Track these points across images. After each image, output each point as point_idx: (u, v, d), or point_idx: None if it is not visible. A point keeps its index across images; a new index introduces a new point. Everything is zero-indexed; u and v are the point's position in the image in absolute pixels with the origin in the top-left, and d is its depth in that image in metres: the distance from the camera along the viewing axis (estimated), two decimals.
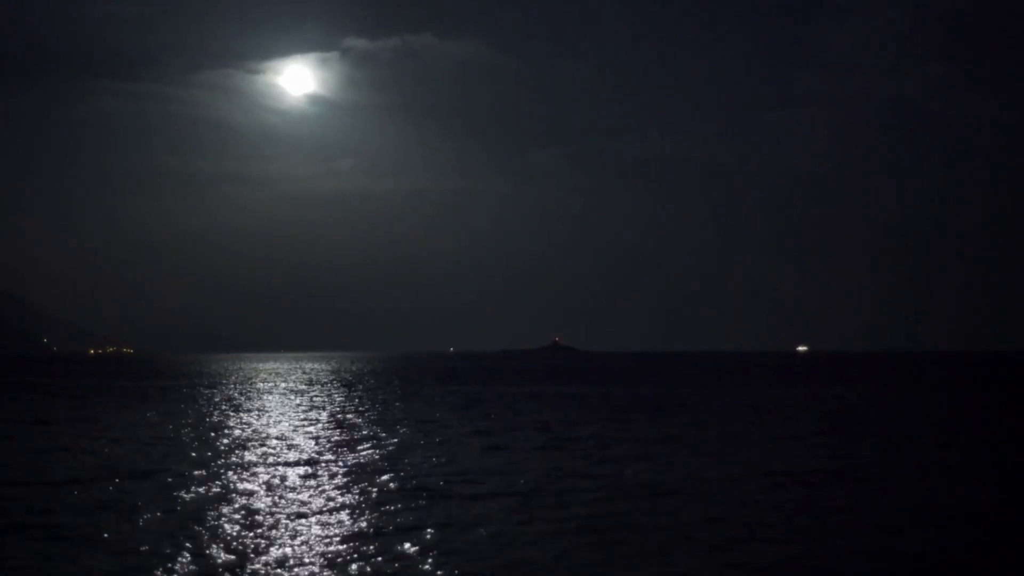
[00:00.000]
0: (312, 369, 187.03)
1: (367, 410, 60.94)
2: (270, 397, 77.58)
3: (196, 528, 21.49)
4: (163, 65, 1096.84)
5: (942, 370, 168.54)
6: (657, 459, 34.09)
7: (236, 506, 24.18)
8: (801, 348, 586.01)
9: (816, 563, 18.84)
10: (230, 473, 30.10)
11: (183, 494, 26.04)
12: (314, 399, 74.35)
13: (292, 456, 34.64)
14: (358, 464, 32.49)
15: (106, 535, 20.76)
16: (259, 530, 21.25)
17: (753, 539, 20.77)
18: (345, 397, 77.81)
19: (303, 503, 24.65)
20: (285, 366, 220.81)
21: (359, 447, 37.81)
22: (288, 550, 19.40)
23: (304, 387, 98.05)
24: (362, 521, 22.33)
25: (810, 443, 39.80)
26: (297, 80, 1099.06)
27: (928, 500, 25.75)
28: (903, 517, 23.29)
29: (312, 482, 28.32)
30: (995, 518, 23.26)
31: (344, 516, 22.93)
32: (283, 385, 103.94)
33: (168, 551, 19.27)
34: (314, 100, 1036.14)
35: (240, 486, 27.38)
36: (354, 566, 18.22)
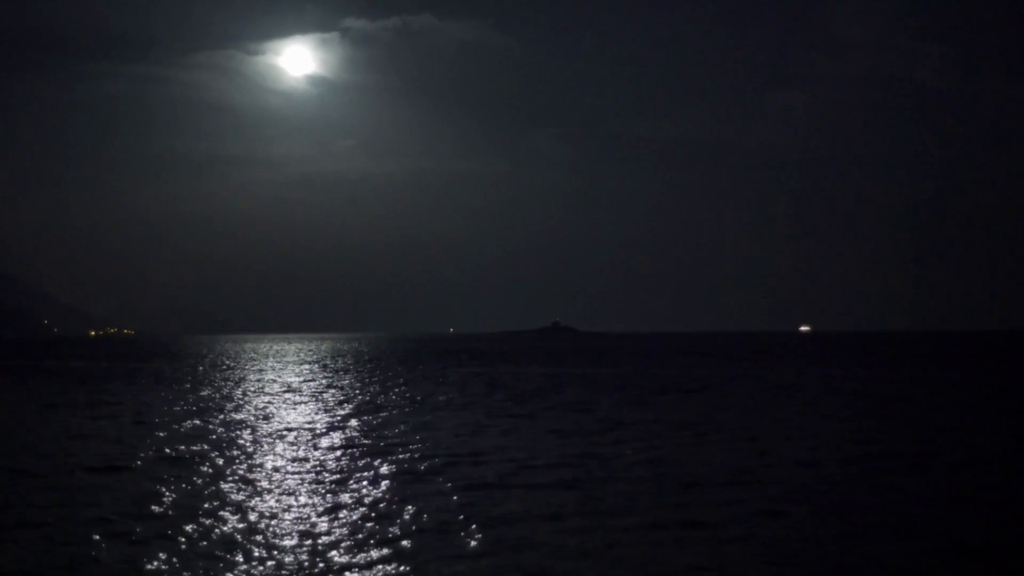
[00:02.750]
0: (316, 350, 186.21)
1: (387, 393, 59.85)
2: (282, 379, 76.52)
3: (219, 518, 20.40)
4: (163, 47, 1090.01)
5: (948, 349, 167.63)
6: (703, 445, 32.99)
7: (261, 493, 23.09)
8: (804, 328, 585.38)
9: (886, 559, 17.77)
10: (256, 458, 28.99)
11: (206, 481, 24.93)
12: (327, 381, 73.31)
13: (313, 440, 33.54)
14: (391, 451, 31.36)
15: (131, 524, 19.69)
16: (283, 520, 20.17)
17: (816, 532, 19.68)
18: (358, 379, 76.76)
19: (332, 489, 23.54)
20: (289, 347, 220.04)
21: (388, 432, 36.69)
22: (319, 539, 18.31)
23: (313, 368, 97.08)
24: (406, 513, 21.23)
25: (850, 426, 38.72)
26: (297, 61, 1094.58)
27: (974, 486, 24.67)
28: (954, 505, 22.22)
29: (339, 468, 27.21)
30: None
31: (384, 506, 21.82)
32: (292, 367, 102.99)
33: (191, 541, 18.28)
34: (314, 81, 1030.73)
35: (265, 472, 26.30)
36: (405, 560, 17.19)
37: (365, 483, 24.85)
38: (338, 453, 30.46)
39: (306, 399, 53.93)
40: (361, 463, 28.31)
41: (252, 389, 63.59)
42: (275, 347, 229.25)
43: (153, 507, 21.78)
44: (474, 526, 19.71)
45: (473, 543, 18.39)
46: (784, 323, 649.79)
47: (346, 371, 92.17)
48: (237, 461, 28.66)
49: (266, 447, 31.94)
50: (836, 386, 65.09)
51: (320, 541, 18.52)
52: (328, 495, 23.12)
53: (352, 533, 19.18)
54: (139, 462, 28.61)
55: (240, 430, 37.26)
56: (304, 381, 73.36)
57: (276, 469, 27.15)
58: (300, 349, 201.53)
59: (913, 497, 23.01)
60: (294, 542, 18.43)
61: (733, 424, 39.33)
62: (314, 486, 24.37)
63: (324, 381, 73.46)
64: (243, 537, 18.80)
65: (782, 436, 35.16)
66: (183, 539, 18.68)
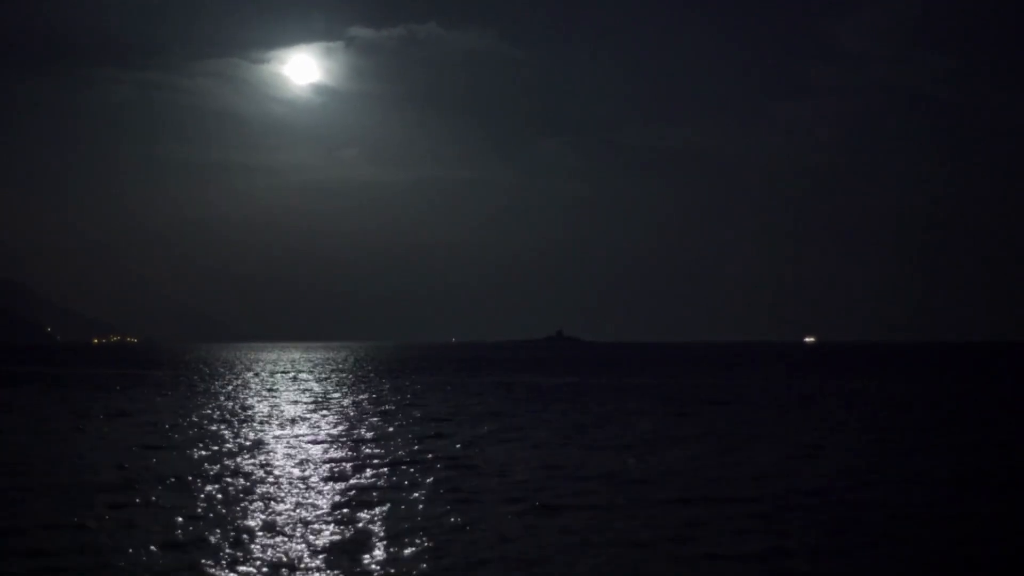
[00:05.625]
0: (325, 359, 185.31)
1: (413, 403, 58.96)
2: (298, 389, 75.65)
3: (242, 534, 19.54)
4: (169, 54, 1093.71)
5: (959, 361, 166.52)
6: (749, 460, 32.08)
7: (290, 506, 22.22)
8: (809, 339, 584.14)
9: None
10: (285, 472, 28.12)
11: (233, 494, 24.06)
12: (346, 390, 72.45)
13: (346, 453, 32.67)
14: (417, 462, 30.49)
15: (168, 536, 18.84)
16: (323, 542, 19.32)
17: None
18: (376, 388, 75.84)
19: (377, 506, 22.68)
20: (295, 356, 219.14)
21: (407, 442, 35.81)
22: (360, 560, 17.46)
23: (329, 377, 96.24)
24: (451, 529, 20.38)
25: (888, 440, 37.83)
26: (302, 70, 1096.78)
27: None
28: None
29: (381, 483, 26.33)
30: None
31: (418, 520, 20.96)
32: (305, 376, 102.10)
33: (204, 558, 17.42)
34: (319, 90, 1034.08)
35: (299, 487, 25.44)
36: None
37: (407, 501, 23.96)
38: (374, 467, 29.55)
39: (330, 410, 52.97)
40: (399, 478, 27.41)
41: (268, 400, 62.68)
42: (281, 355, 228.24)
43: (168, 521, 20.92)
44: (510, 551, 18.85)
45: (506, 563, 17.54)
46: (789, 333, 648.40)
47: (363, 380, 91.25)
48: (262, 476, 27.72)
49: (296, 462, 31.00)
50: (861, 399, 64.17)
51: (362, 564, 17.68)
52: (376, 513, 22.23)
53: (399, 558, 18.31)
54: (155, 473, 27.73)
55: (262, 443, 36.33)
56: (324, 390, 72.46)
57: (310, 486, 26.23)
58: (307, 358, 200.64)
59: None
60: (330, 562, 17.59)
61: (775, 437, 38.42)
62: (355, 504, 23.48)
63: (343, 390, 72.56)
64: (267, 556, 17.97)
65: (828, 452, 34.26)
66: (200, 554, 17.87)
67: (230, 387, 77.52)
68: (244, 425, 42.99)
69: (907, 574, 17.32)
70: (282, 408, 53.57)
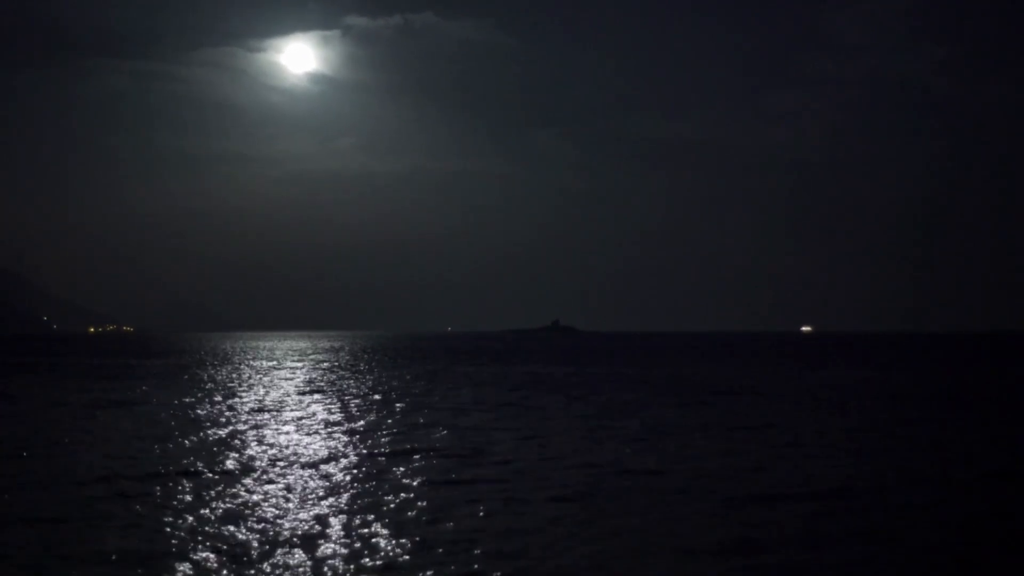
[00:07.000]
0: (322, 348, 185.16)
1: (412, 393, 58.88)
2: (302, 378, 75.55)
3: (251, 530, 19.50)
4: (165, 44, 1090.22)
5: (955, 351, 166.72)
6: (794, 456, 32.08)
7: (298, 504, 22.18)
8: (805, 328, 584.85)
9: None
10: (296, 464, 28.07)
11: (225, 489, 23.99)
12: (346, 381, 72.36)
13: (365, 445, 32.62)
14: (421, 452, 30.45)
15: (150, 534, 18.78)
16: (335, 537, 19.28)
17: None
18: (376, 378, 75.73)
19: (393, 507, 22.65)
20: (293, 345, 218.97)
21: (418, 432, 35.77)
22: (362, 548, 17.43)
23: (324, 368, 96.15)
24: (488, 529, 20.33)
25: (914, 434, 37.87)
26: (299, 58, 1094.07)
27: None
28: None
29: (413, 480, 26.29)
30: None
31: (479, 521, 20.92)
32: (303, 365, 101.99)
33: (224, 552, 17.36)
34: (315, 79, 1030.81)
35: (314, 480, 25.39)
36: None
37: (411, 496, 23.90)
38: (377, 460, 29.47)
39: (329, 400, 52.84)
40: (403, 473, 27.34)
41: (265, 390, 62.55)
42: (276, 344, 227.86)
43: (163, 515, 20.86)
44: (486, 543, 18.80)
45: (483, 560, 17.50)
46: (786, 323, 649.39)
47: (361, 370, 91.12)
48: (260, 469, 27.62)
49: (296, 454, 30.88)
50: (859, 390, 64.19)
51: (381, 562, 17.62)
52: (380, 509, 22.16)
53: (403, 557, 18.26)
54: (149, 465, 27.65)
55: (260, 435, 36.22)
56: (322, 380, 72.32)
57: (311, 479, 26.15)
58: (303, 348, 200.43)
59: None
60: (346, 560, 17.53)
61: (774, 431, 38.43)
62: (359, 499, 23.40)
63: (341, 381, 72.44)
64: (276, 550, 17.93)
65: (849, 447, 34.29)
66: (210, 550, 17.82)
67: (226, 377, 77.40)
68: (241, 416, 42.87)
69: (907, 574, 17.32)
70: (279, 398, 53.43)
